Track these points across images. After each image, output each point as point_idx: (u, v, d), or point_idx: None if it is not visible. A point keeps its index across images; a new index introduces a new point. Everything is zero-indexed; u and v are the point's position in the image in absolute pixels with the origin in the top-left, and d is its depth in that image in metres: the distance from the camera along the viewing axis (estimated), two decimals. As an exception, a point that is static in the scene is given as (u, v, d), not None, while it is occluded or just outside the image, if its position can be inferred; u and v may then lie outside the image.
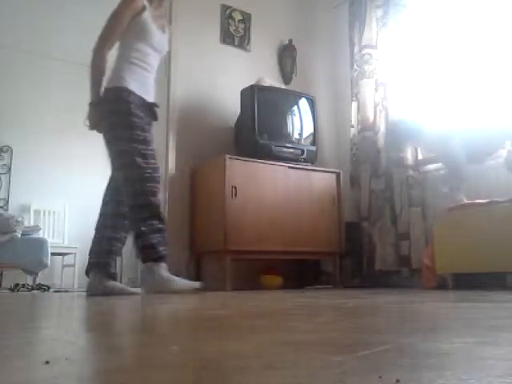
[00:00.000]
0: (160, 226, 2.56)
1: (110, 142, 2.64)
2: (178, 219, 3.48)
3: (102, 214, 2.77)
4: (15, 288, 3.76)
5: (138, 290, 2.77)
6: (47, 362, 0.58)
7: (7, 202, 5.67)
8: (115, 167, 2.66)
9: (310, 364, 0.55)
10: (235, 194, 3.23)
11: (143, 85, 2.70)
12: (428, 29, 3.84)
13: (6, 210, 5.50)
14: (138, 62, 2.68)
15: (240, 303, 1.80)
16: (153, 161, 2.65)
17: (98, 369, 0.57)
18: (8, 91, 5.62)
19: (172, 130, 3.58)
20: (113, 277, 2.71)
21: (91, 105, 2.67)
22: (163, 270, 2.51)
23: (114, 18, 2.65)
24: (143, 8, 2.66)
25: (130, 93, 2.62)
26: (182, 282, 2.55)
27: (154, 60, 2.77)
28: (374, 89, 3.83)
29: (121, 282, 5.92)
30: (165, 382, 0.50)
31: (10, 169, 5.68)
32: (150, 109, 2.78)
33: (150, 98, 2.78)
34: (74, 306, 1.93)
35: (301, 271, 3.94)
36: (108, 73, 2.66)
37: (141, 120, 2.65)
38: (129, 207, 2.59)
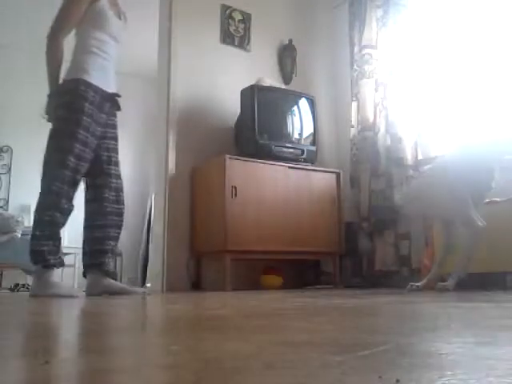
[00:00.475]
0: (54, 233, 2.50)
1: (51, 136, 2.57)
2: (178, 219, 3.48)
3: (88, 213, 2.72)
4: (15, 288, 3.77)
5: (139, 289, 2.76)
6: (47, 362, 0.58)
7: (7, 202, 5.67)
8: (44, 158, 2.55)
9: (310, 364, 0.55)
10: (235, 194, 3.23)
11: (104, 75, 2.62)
12: (428, 29, 3.84)
13: (6, 210, 5.51)
14: (97, 52, 2.59)
15: (240, 303, 1.80)
16: (83, 164, 2.55)
17: (97, 369, 0.57)
18: (8, 91, 5.62)
19: (172, 130, 3.58)
20: (111, 275, 2.69)
21: (50, 96, 2.59)
22: (51, 276, 2.49)
23: (72, 2, 2.54)
24: None
25: (89, 87, 2.53)
26: (63, 289, 2.51)
27: (112, 49, 2.68)
28: (374, 89, 3.83)
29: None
30: (165, 382, 0.50)
31: (10, 169, 5.69)
32: (112, 99, 2.69)
33: (111, 88, 2.69)
34: (74, 306, 1.93)
35: (301, 271, 3.94)
36: (66, 63, 2.58)
37: (90, 119, 2.55)
38: (38, 205, 2.52)
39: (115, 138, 2.78)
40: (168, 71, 3.65)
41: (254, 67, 4.02)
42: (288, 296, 2.33)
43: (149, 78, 5.80)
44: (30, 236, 2.54)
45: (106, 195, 2.67)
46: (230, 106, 3.73)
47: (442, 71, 3.72)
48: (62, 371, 0.55)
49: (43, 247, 2.47)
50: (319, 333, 0.88)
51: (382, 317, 1.26)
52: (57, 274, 5.67)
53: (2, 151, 5.68)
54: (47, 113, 2.61)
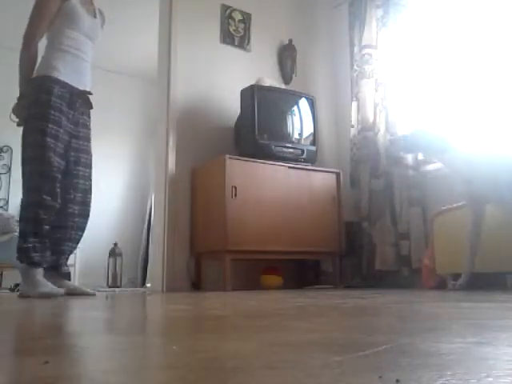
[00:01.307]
0: (38, 230, 2.47)
1: (24, 134, 2.54)
2: (178, 219, 3.48)
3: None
4: (15, 288, 3.76)
5: (90, 290, 2.72)
6: (47, 362, 0.58)
7: (7, 202, 5.67)
8: (21, 156, 2.54)
9: (310, 364, 0.55)
10: (235, 194, 3.23)
11: (76, 73, 2.59)
12: (428, 29, 3.84)
13: (6, 210, 5.51)
14: (70, 50, 2.57)
15: (240, 303, 1.80)
16: (59, 160, 2.53)
17: (97, 369, 0.57)
18: (8, 91, 5.61)
19: (172, 130, 3.58)
20: (66, 277, 2.66)
21: (20, 97, 2.57)
22: (37, 274, 2.45)
23: (42, 3, 2.52)
24: None
25: (56, 83, 2.51)
26: (49, 288, 2.44)
27: (85, 46, 2.65)
28: (374, 89, 3.83)
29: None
30: (165, 382, 0.50)
31: (9, 169, 5.69)
32: (83, 97, 2.66)
33: (84, 86, 2.66)
34: (74, 306, 1.93)
35: (301, 271, 3.94)
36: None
37: (59, 113, 2.52)
38: (21, 203, 2.51)
39: (87, 139, 2.74)
40: (168, 71, 3.65)
41: (254, 67, 4.02)
42: (288, 296, 2.33)
43: (149, 78, 5.80)
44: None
45: (72, 196, 2.63)
46: (230, 106, 3.73)
47: (442, 71, 3.72)
48: (62, 371, 0.55)
49: (28, 244, 2.45)
50: (319, 333, 0.88)
51: (382, 317, 1.26)
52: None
53: (2, 151, 5.68)
54: (16, 115, 2.59)
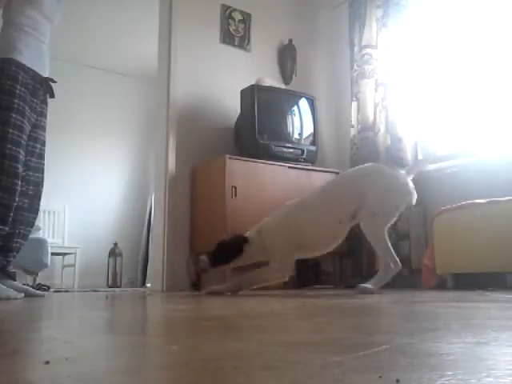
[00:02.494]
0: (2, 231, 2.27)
1: None
2: (178, 219, 3.48)
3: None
4: (15, 288, 3.76)
5: (39, 292, 2.59)
6: (47, 362, 0.58)
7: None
8: None
9: (310, 364, 0.55)
10: (235, 194, 3.23)
11: (38, 57, 2.38)
12: (428, 29, 3.84)
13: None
14: (30, 31, 2.36)
15: (240, 303, 1.80)
16: (21, 151, 2.31)
17: (97, 369, 0.57)
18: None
19: (172, 130, 3.58)
20: (12, 277, 2.46)
21: None
22: None
23: None
24: None
25: (21, 68, 2.29)
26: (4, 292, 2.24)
27: (45, 28, 2.44)
28: (374, 89, 3.83)
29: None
30: (165, 382, 0.50)
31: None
32: (45, 84, 2.44)
33: (45, 72, 2.45)
34: (75, 307, 1.93)
35: (301, 271, 3.93)
36: None
37: (23, 103, 2.31)
38: None
39: (45, 129, 2.54)
40: (168, 71, 3.65)
41: (254, 67, 4.02)
42: (288, 296, 2.32)
43: (149, 78, 5.80)
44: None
45: (23, 189, 2.40)
46: (230, 106, 3.73)
47: (442, 71, 3.72)
48: (63, 371, 0.55)
49: None
50: (319, 333, 0.88)
51: (382, 317, 1.26)
52: (57, 274, 5.67)
53: (2, 151, 5.67)
54: None
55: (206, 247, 3.41)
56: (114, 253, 5.95)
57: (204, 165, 3.53)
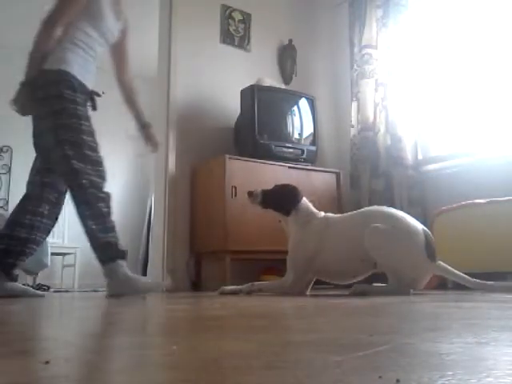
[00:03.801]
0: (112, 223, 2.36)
1: (51, 131, 2.32)
2: (177, 219, 3.48)
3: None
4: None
5: (40, 292, 2.59)
6: (47, 362, 0.58)
7: (7, 202, 5.67)
8: (60, 158, 2.32)
9: (310, 364, 0.55)
10: (235, 194, 3.23)
11: (86, 71, 2.45)
12: (428, 29, 3.84)
13: (6, 210, 5.50)
14: (82, 45, 2.42)
15: (240, 303, 1.80)
16: (99, 154, 2.40)
17: (97, 369, 0.57)
18: (8, 91, 5.61)
19: (172, 130, 3.58)
20: (15, 278, 2.45)
21: (24, 84, 2.38)
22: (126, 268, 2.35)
23: None
24: None
25: (73, 78, 2.36)
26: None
27: (98, 46, 2.52)
28: (374, 89, 3.83)
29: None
30: (165, 382, 0.50)
31: (10, 169, 5.69)
32: (91, 98, 2.51)
33: (92, 86, 2.53)
34: (75, 307, 1.93)
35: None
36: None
37: (85, 109, 2.40)
38: (78, 204, 2.35)
39: None
40: (168, 71, 3.65)
41: (253, 67, 4.02)
42: (288, 296, 2.32)
43: (149, 78, 5.79)
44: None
45: (48, 195, 2.48)
46: (230, 106, 3.73)
47: (442, 71, 3.72)
48: (63, 371, 0.55)
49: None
50: (319, 333, 0.88)
51: (382, 317, 1.26)
52: (57, 274, 5.67)
53: (2, 151, 5.68)
54: (16, 102, 2.40)
55: (206, 247, 3.42)
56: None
57: (204, 165, 3.53)
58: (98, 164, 2.37)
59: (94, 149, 2.38)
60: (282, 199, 2.49)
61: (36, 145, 2.47)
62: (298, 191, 2.52)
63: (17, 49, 5.80)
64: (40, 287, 3.90)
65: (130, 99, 2.79)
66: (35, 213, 2.43)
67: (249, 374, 0.51)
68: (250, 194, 2.52)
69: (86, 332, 1.05)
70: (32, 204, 2.46)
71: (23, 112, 2.43)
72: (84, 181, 2.30)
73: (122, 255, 2.37)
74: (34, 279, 4.56)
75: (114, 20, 2.58)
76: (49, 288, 4.00)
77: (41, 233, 2.47)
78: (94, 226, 2.30)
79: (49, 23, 2.35)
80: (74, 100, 2.34)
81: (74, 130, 2.31)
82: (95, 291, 3.88)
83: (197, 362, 0.59)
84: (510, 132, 3.22)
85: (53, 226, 2.56)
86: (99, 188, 2.34)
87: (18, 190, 5.75)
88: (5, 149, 5.68)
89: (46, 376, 0.52)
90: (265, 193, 2.51)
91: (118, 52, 2.79)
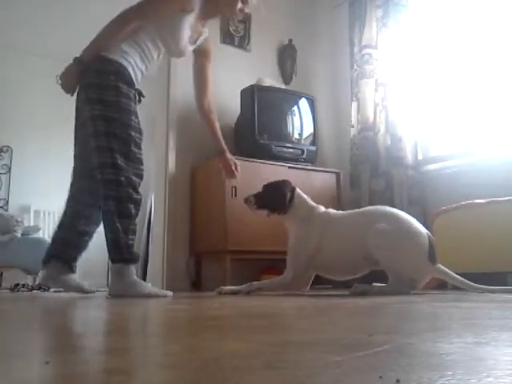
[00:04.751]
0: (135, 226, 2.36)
1: (99, 119, 2.30)
2: (177, 219, 3.48)
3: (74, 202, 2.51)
4: (15, 288, 3.76)
5: (93, 289, 2.66)
6: (47, 362, 0.58)
7: (7, 202, 5.67)
8: (104, 149, 2.29)
9: (310, 364, 0.55)
10: (235, 194, 3.23)
11: (139, 71, 2.47)
12: (428, 29, 3.84)
13: (6, 210, 5.51)
14: (144, 48, 2.43)
15: (240, 303, 1.80)
16: (142, 151, 2.40)
17: (98, 369, 0.57)
18: (8, 91, 5.61)
19: (172, 130, 3.58)
20: (74, 271, 2.50)
21: (78, 60, 2.35)
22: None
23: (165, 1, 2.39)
24: (191, 9, 2.41)
25: (129, 74, 2.38)
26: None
27: (158, 56, 2.54)
28: (374, 89, 3.83)
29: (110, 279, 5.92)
30: (165, 382, 0.50)
31: (10, 169, 5.68)
32: (136, 95, 2.51)
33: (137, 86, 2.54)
34: (77, 307, 1.93)
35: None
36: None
37: (135, 106, 2.41)
38: (107, 198, 2.30)
39: None
40: (168, 71, 3.65)
41: (253, 67, 4.02)
42: (288, 296, 2.32)
43: (149, 77, 5.79)
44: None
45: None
46: (230, 105, 3.73)
47: (442, 71, 3.72)
48: (63, 371, 0.55)
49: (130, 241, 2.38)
50: (319, 333, 0.88)
51: (382, 317, 1.26)
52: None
53: (2, 151, 5.67)
54: (62, 77, 2.37)
55: (206, 247, 3.42)
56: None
57: (204, 164, 3.52)
58: (139, 162, 2.37)
59: (139, 146, 2.38)
60: (272, 199, 2.49)
61: (77, 129, 2.56)
62: (286, 186, 2.50)
63: (17, 49, 5.81)
64: (40, 287, 3.89)
65: (210, 123, 2.83)
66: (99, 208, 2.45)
67: (249, 374, 0.51)
68: (246, 200, 2.53)
69: (85, 332, 1.05)
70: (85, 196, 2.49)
71: (67, 89, 2.42)
72: (122, 178, 2.28)
73: (135, 260, 2.36)
74: (34, 279, 4.55)
75: (186, 43, 2.56)
76: (49, 288, 3.99)
77: (95, 225, 2.55)
78: (118, 224, 2.29)
79: (124, 19, 2.35)
80: (128, 95, 2.36)
81: (123, 124, 2.31)
82: (94, 292, 3.88)
83: (197, 362, 0.59)
84: (510, 132, 3.22)
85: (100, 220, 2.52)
86: (135, 188, 2.34)
87: (18, 190, 5.80)
88: (5, 149, 5.68)
89: (46, 376, 0.52)
90: (256, 196, 2.51)
91: (200, 75, 2.87)
